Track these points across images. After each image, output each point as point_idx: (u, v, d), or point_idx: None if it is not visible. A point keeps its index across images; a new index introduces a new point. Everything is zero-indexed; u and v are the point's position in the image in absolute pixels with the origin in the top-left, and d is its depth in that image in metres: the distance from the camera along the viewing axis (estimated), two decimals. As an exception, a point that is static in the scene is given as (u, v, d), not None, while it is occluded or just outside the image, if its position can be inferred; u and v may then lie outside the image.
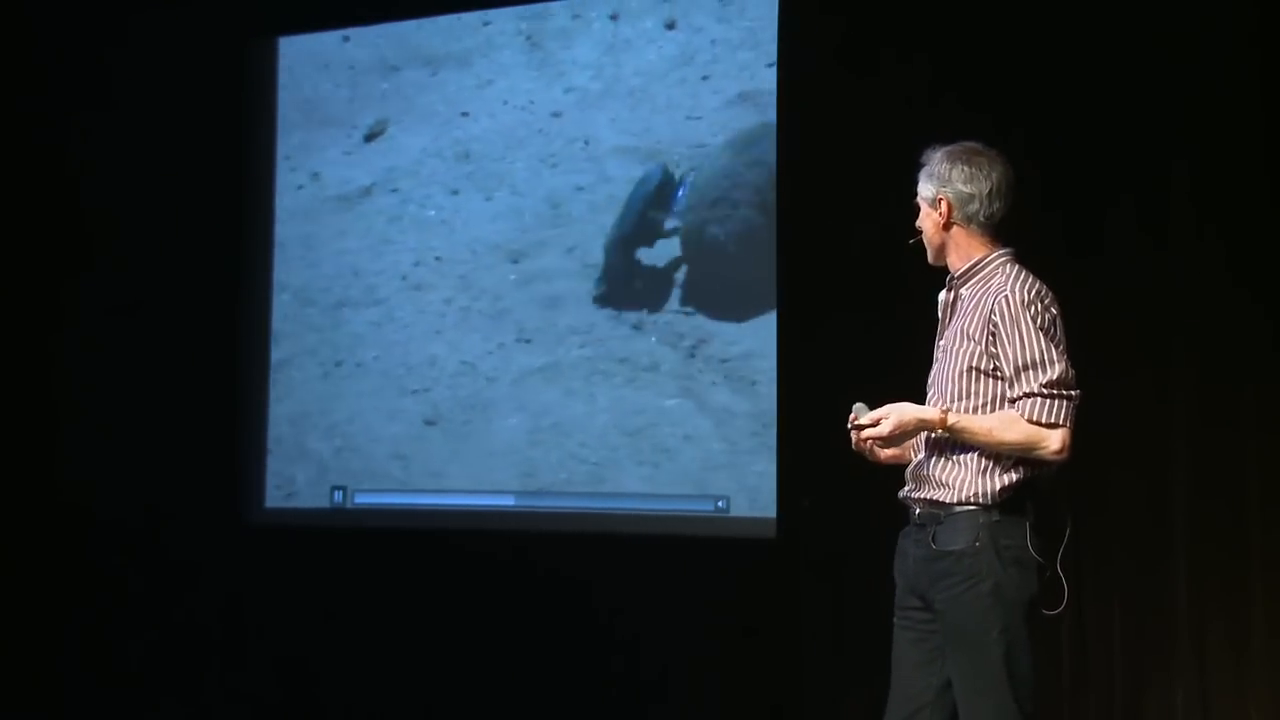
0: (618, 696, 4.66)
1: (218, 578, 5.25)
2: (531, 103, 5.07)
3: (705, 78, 4.79)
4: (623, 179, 4.90)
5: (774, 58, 4.69)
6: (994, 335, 2.72)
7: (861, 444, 2.83)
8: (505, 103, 5.11)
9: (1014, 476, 2.73)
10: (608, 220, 4.92)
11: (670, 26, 4.86)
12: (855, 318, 4.29)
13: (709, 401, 4.72)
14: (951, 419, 2.72)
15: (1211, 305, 3.93)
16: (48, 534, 5.41)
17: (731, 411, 4.68)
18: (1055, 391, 2.69)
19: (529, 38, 5.08)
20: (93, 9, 5.44)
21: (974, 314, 2.76)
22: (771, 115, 4.66)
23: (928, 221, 2.86)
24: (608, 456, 4.84)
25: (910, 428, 2.76)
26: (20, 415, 5.50)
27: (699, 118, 4.80)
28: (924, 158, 2.86)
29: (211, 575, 5.26)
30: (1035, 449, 2.70)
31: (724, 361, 4.71)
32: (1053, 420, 2.70)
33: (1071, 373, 2.73)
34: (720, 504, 4.58)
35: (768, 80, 4.70)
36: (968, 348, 2.76)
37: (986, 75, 4.16)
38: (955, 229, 2.82)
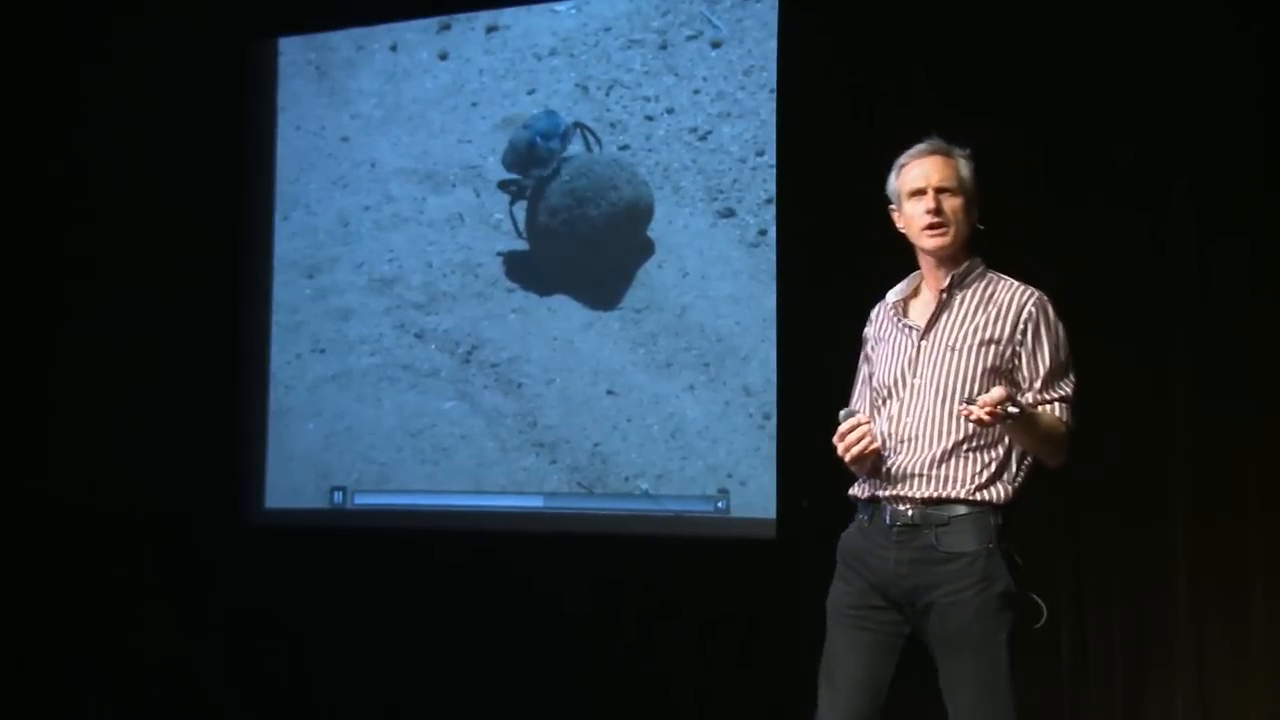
0: (618, 696, 4.72)
1: (217, 578, 5.33)
2: (322, 128, 5.44)
3: (474, 104, 5.19)
4: (405, 198, 5.29)
5: (534, 87, 5.10)
6: (1026, 337, 2.75)
7: (864, 446, 2.76)
8: (298, 128, 5.48)
9: (1020, 482, 2.75)
10: (393, 238, 5.31)
11: (443, 58, 5.25)
12: (853, 319, 4.24)
13: (482, 403, 5.11)
14: (1029, 409, 2.70)
15: (1211, 303, 3.95)
16: (45, 535, 5.44)
17: (501, 412, 5.08)
18: (1074, 399, 2.78)
19: (318, 67, 5.46)
20: (94, 9, 5.55)
21: (989, 315, 2.78)
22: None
23: (965, 214, 2.83)
24: (393, 457, 5.22)
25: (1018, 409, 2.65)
26: (17, 415, 5.53)
27: (470, 141, 5.19)
28: (950, 149, 2.85)
29: (211, 576, 5.33)
30: (1061, 451, 2.77)
31: (494, 366, 5.10)
32: (1073, 426, 2.77)
33: None
34: (720, 505, 4.71)
35: (529, 106, 5.10)
36: (991, 349, 2.75)
37: (982, 77, 4.21)
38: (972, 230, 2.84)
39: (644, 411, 4.85)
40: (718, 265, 4.78)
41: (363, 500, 5.27)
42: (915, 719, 2.92)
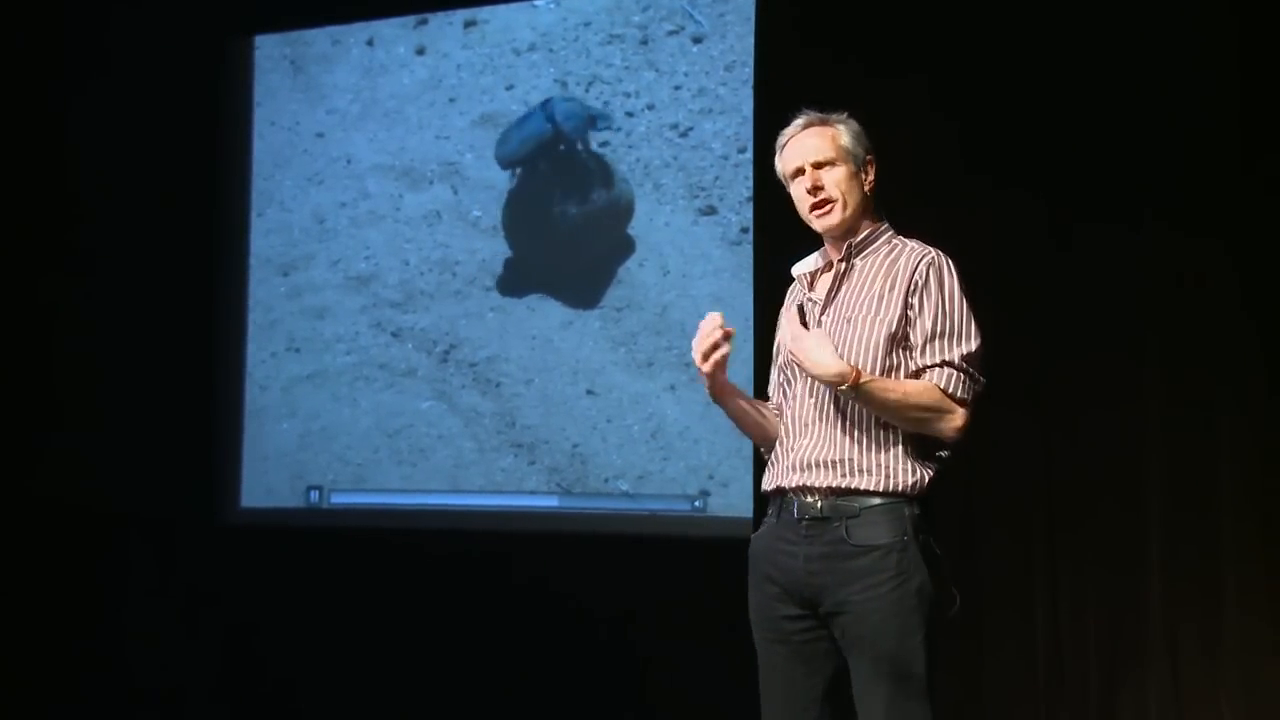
0: (599, 697, 4.75)
1: (191, 577, 5.36)
2: (297, 124, 5.42)
3: (452, 100, 5.17)
4: (381, 195, 5.27)
5: (512, 82, 5.08)
6: (915, 299, 2.61)
7: (711, 340, 2.67)
8: (272, 124, 5.47)
9: (936, 467, 2.62)
10: (370, 235, 5.31)
11: (420, 53, 5.23)
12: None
13: (459, 403, 5.09)
14: (865, 378, 2.53)
15: (1187, 308, 4.00)
16: (22, 535, 5.44)
17: (479, 412, 5.05)
18: (971, 368, 2.61)
19: (293, 62, 5.44)
20: (70, 6, 5.58)
21: (885, 280, 2.65)
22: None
23: (853, 183, 2.70)
24: (370, 457, 5.20)
25: (810, 361, 2.56)
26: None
27: (447, 137, 5.18)
28: (825, 118, 2.76)
29: (185, 575, 5.36)
30: (938, 421, 2.57)
31: (472, 365, 5.08)
32: (963, 396, 2.59)
33: (984, 354, 2.64)
34: (698, 504, 4.74)
35: (507, 102, 5.08)
36: (888, 316, 2.62)
37: (962, 72, 4.26)
38: (871, 196, 2.74)
39: (624, 412, 4.86)
40: (699, 263, 4.79)
41: (339, 499, 5.27)
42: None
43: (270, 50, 5.51)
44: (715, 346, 2.66)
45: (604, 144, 4.97)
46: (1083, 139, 4.14)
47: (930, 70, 4.33)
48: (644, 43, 4.93)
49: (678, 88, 4.87)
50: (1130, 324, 4.09)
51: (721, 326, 2.67)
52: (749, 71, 4.74)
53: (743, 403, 2.82)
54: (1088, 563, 4.09)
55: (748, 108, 4.73)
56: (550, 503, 4.95)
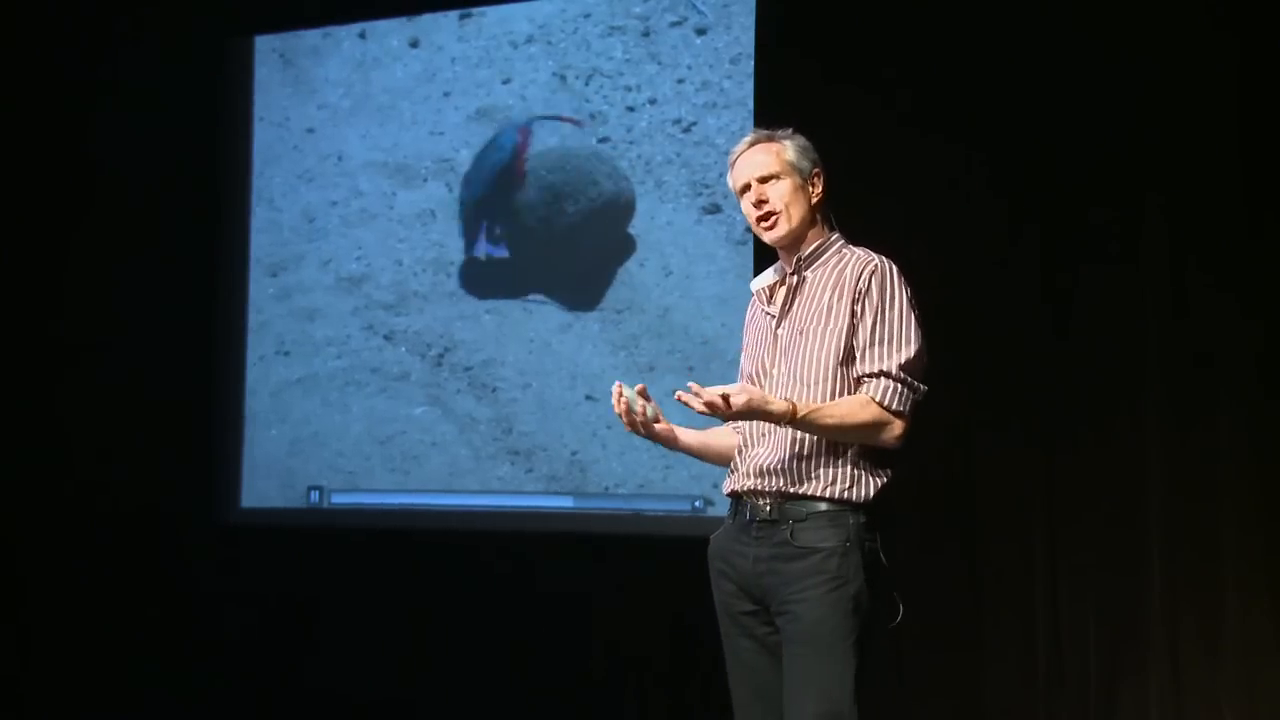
0: (599, 697, 4.77)
1: (193, 578, 5.36)
2: (287, 119, 5.32)
3: (446, 94, 5.05)
4: (374, 193, 5.16)
5: (509, 76, 4.97)
6: (858, 307, 2.69)
7: (637, 420, 2.78)
8: (261, 119, 5.39)
9: (886, 478, 2.70)
10: (361, 234, 5.22)
11: (414, 45, 5.13)
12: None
13: (454, 409, 4.97)
14: (802, 412, 2.62)
15: (1185, 315, 4.05)
16: (23, 535, 5.47)
17: (474, 418, 4.93)
18: (907, 377, 2.66)
19: (282, 55, 5.35)
20: (75, 11, 5.59)
21: (834, 290, 2.73)
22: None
23: (798, 195, 2.78)
24: (361, 465, 5.10)
25: (753, 413, 2.62)
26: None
27: (442, 133, 5.07)
28: (772, 135, 2.82)
29: (187, 575, 5.37)
30: (879, 434, 2.65)
31: (467, 369, 4.96)
32: (899, 409, 2.66)
33: (925, 360, 2.70)
34: (698, 504, 4.69)
35: (504, 96, 4.96)
36: (836, 326, 2.71)
37: (962, 76, 4.28)
38: (819, 208, 2.82)
39: (625, 417, 4.72)
40: (702, 264, 4.70)
41: (340, 499, 5.21)
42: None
43: (260, 44, 5.43)
44: (634, 416, 2.79)
45: (604, 139, 4.87)
46: (1082, 141, 4.15)
47: (934, 65, 4.30)
48: (645, 35, 4.83)
49: (681, 81, 4.77)
50: (1130, 324, 4.11)
51: (622, 396, 2.78)
52: (754, 64, 4.64)
53: (694, 440, 2.94)
54: (1088, 563, 4.12)
55: (753, 101, 4.63)
56: (549, 503, 4.86)
